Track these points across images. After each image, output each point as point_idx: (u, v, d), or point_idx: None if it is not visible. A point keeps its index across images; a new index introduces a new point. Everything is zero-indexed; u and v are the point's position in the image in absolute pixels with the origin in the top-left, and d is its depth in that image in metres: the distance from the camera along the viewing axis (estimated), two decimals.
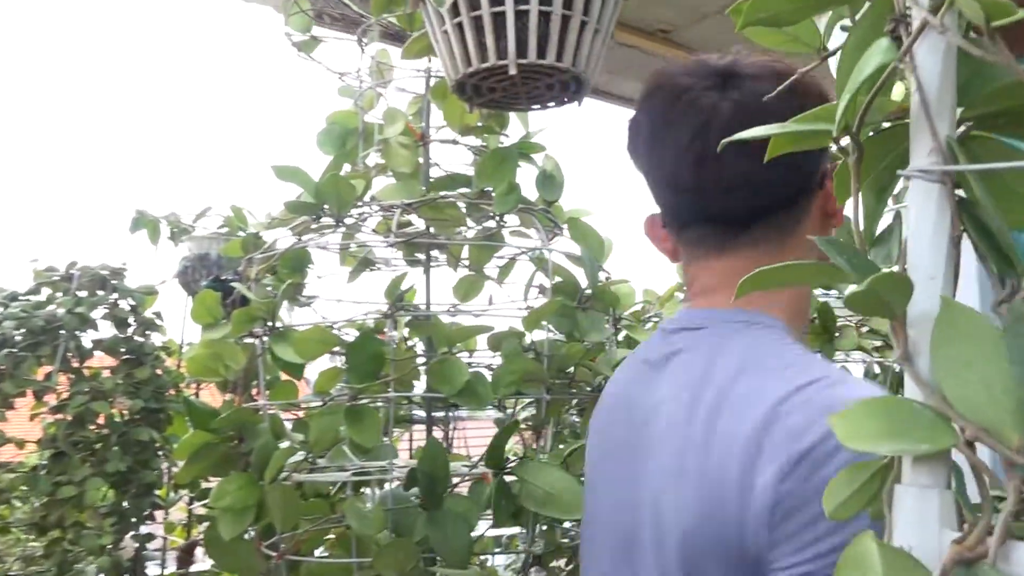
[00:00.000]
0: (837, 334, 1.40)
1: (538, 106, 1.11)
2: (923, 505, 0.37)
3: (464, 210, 1.17)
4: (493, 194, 1.18)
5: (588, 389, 1.15)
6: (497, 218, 1.26)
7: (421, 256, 1.44)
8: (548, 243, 1.12)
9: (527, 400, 1.13)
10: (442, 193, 1.14)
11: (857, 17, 0.49)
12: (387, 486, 1.10)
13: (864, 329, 1.44)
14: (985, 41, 0.36)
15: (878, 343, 1.45)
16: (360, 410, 1.00)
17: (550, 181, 1.23)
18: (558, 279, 1.17)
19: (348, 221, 1.12)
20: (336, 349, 1.09)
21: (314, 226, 1.17)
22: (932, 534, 0.37)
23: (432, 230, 1.20)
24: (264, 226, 1.26)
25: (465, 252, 1.33)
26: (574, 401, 1.19)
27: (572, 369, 1.12)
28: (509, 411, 1.31)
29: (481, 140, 1.32)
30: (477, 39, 0.88)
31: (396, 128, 1.19)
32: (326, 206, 1.10)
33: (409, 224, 1.33)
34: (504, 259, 1.34)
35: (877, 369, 1.51)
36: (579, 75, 0.94)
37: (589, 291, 1.15)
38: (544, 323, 1.09)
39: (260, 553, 1.10)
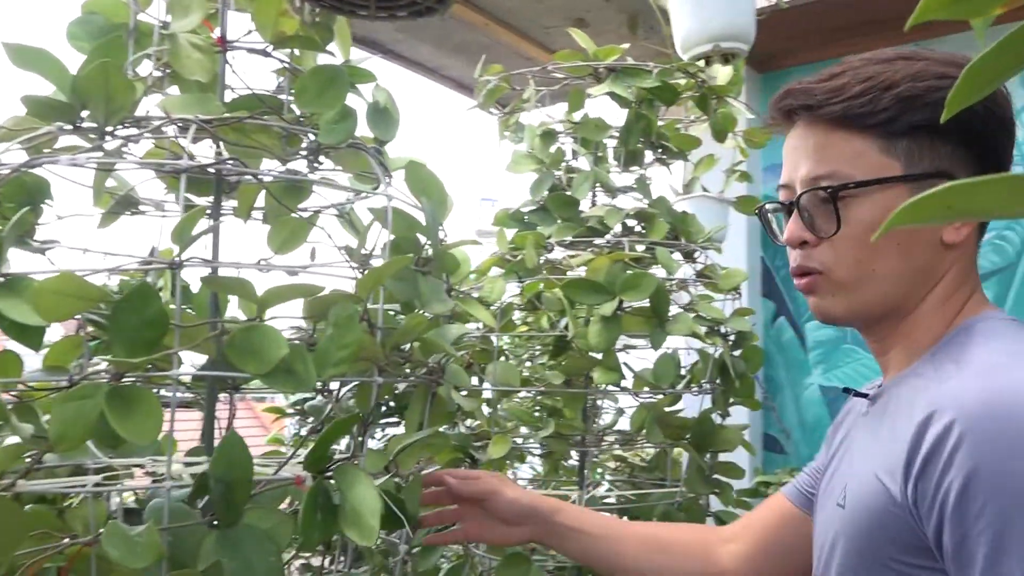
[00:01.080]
0: (670, 320, 1.32)
1: (385, 15, 0.89)
2: None
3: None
4: (315, 124, 0.94)
5: (423, 371, 0.95)
6: (312, 156, 1.01)
7: (201, 200, 1.15)
8: (388, 187, 0.90)
9: (351, 383, 0.91)
10: (254, 113, 0.88)
11: None
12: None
13: (692, 316, 1.37)
14: None
15: (703, 329, 1.39)
16: (130, 392, 0.72)
17: (383, 116, 1.01)
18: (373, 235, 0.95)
19: (119, 134, 0.81)
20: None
21: (65, 143, 0.86)
22: None
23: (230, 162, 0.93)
24: None
25: (260, 200, 1.06)
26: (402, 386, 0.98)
27: (408, 346, 0.91)
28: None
29: (291, 57, 1.06)
30: None
31: (188, 22, 0.90)
32: (86, 111, 0.80)
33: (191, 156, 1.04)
34: (310, 211, 1.09)
35: (692, 356, 1.46)
36: None
37: (429, 252, 0.95)
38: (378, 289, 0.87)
39: None
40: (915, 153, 0.81)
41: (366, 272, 0.83)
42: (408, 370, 0.93)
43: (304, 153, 1.00)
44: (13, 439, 0.76)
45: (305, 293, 0.80)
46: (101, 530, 0.77)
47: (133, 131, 0.83)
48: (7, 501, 0.74)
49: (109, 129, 0.80)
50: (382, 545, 1.00)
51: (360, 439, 0.84)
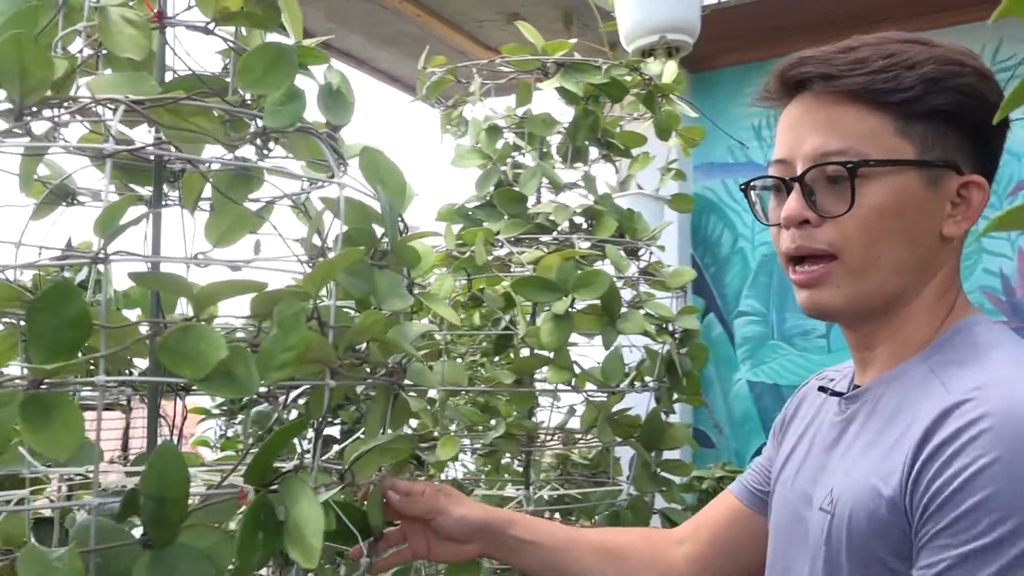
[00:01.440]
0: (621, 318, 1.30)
1: None
2: None
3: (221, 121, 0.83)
4: (262, 106, 0.87)
5: (381, 372, 0.88)
6: (260, 141, 0.94)
7: (143, 191, 1.07)
8: (341, 175, 0.83)
9: (300, 387, 0.84)
10: (190, 94, 0.80)
11: None
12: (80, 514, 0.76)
13: (643, 312, 1.34)
14: None
15: (652, 327, 1.37)
16: (48, 400, 0.65)
17: (337, 99, 0.94)
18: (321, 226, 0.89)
19: (43, 116, 0.74)
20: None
21: None
22: None
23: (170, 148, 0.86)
24: None
25: (207, 190, 0.98)
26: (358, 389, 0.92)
27: (364, 345, 0.85)
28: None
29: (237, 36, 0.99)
30: None
31: None
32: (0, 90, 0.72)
33: (130, 141, 0.97)
34: (261, 202, 1.02)
35: (639, 354, 1.45)
36: None
37: (386, 245, 0.88)
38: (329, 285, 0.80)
39: None
40: (929, 139, 0.78)
41: (315, 266, 0.76)
42: (368, 371, 0.86)
43: (251, 139, 0.93)
44: None
45: (247, 290, 0.73)
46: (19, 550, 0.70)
47: (55, 112, 0.75)
48: None
49: (27, 110, 0.73)
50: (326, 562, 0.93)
51: (312, 447, 0.77)
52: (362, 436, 0.94)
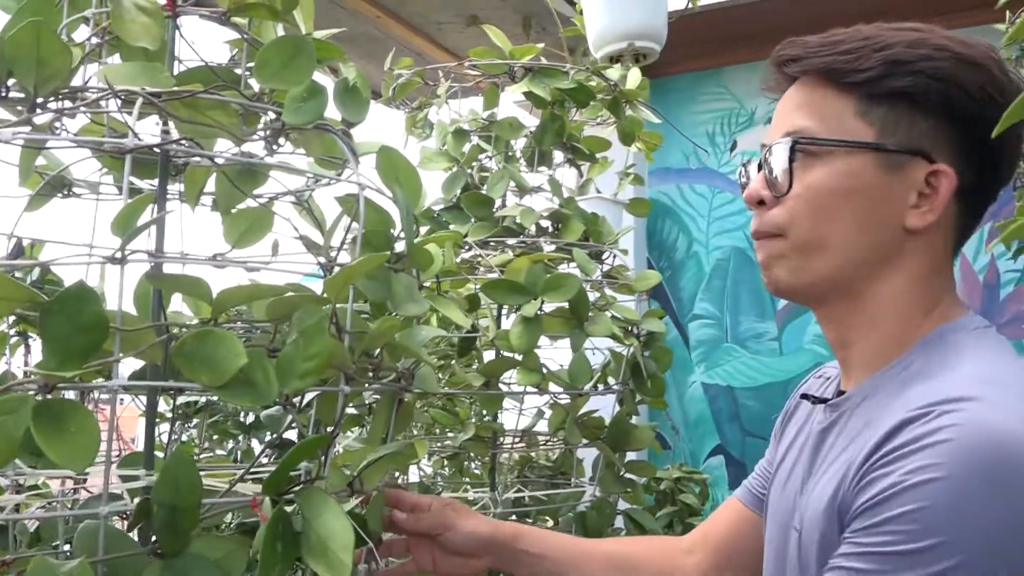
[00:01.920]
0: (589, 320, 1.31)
1: None
2: None
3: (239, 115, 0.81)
4: (278, 100, 0.85)
5: (392, 377, 0.86)
6: (272, 137, 0.91)
7: (142, 183, 1.04)
8: (362, 176, 0.81)
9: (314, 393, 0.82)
10: (210, 87, 0.78)
11: None
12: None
13: (610, 315, 1.35)
14: None
15: (617, 329, 1.38)
16: (61, 407, 0.63)
17: (354, 95, 0.91)
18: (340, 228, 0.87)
19: (52, 107, 0.71)
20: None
21: None
22: None
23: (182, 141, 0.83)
24: None
25: (210, 185, 0.96)
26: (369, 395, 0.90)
27: (378, 351, 0.83)
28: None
29: (248, 26, 0.96)
30: None
31: None
32: (13, 79, 0.69)
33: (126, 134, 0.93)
34: (265, 198, 1.00)
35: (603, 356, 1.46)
36: None
37: (402, 248, 0.86)
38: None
39: None
40: (891, 123, 0.76)
41: (336, 271, 0.74)
42: (372, 376, 0.84)
43: (263, 134, 0.91)
44: None
45: (267, 293, 0.71)
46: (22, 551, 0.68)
47: (68, 104, 0.72)
48: None
49: (40, 100, 0.70)
50: None
51: (324, 456, 0.75)
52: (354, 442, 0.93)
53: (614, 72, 1.56)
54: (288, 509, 0.71)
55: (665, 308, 3.22)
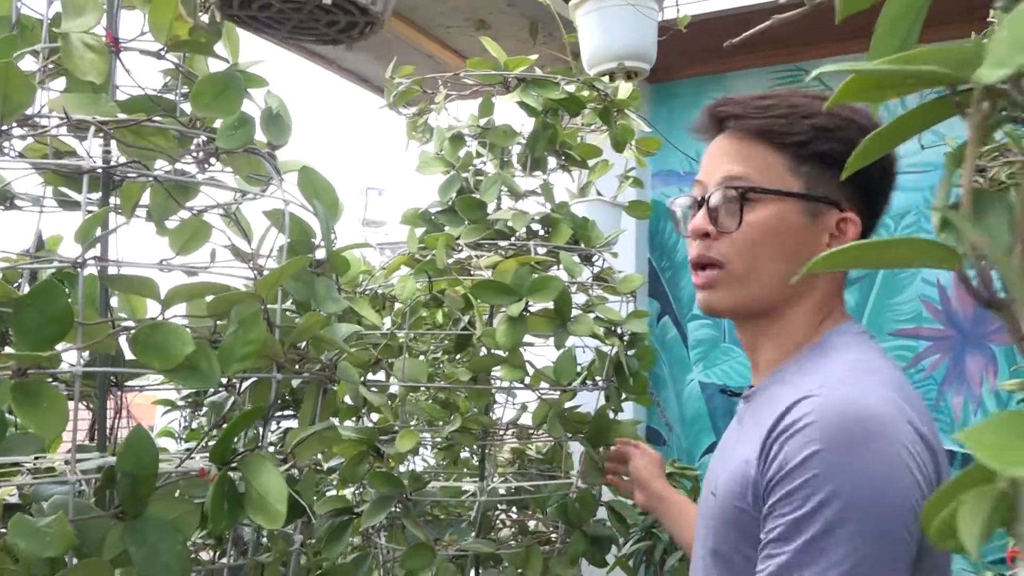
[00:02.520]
0: (572, 320, 1.39)
1: (294, 38, 0.93)
2: None
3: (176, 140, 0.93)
4: (209, 126, 0.97)
5: (317, 367, 0.99)
6: (204, 157, 1.03)
7: (80, 197, 1.14)
8: (286, 192, 0.94)
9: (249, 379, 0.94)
10: (154, 116, 0.89)
11: None
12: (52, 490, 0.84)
13: (593, 316, 1.46)
14: None
15: (601, 329, 1.49)
16: (34, 388, 0.74)
17: (277, 121, 1.04)
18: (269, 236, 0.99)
19: (14, 133, 0.82)
20: None
21: None
22: None
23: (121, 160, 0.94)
24: None
25: (144, 198, 1.07)
26: (296, 381, 1.02)
27: (305, 343, 0.96)
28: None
29: (182, 61, 1.08)
30: None
31: (83, 22, 0.91)
32: None
33: (73, 153, 1.04)
34: (195, 210, 1.11)
35: (589, 354, 1.55)
36: (376, 20, 0.79)
37: (322, 254, 1.00)
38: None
39: None
40: (814, 178, 0.93)
41: (266, 273, 0.87)
42: (299, 367, 0.97)
43: (196, 154, 1.03)
44: None
45: (209, 292, 0.84)
46: None
47: (27, 130, 0.83)
48: None
49: (4, 128, 0.80)
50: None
51: (261, 431, 0.88)
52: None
53: (606, 84, 1.65)
54: (232, 476, 0.83)
55: (665, 308, 3.24)
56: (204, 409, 1.35)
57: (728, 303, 0.96)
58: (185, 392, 1.40)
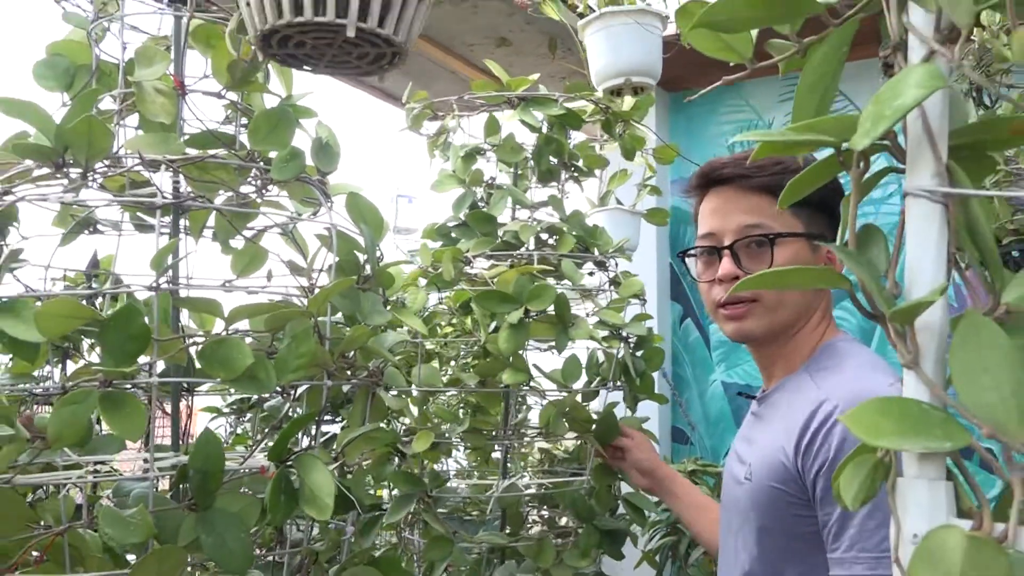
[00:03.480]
0: (572, 324, 1.48)
1: (330, 71, 1.03)
2: (934, 496, 0.40)
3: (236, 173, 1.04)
4: (265, 157, 1.08)
5: (364, 374, 1.09)
6: (259, 185, 1.14)
7: (152, 220, 1.27)
8: (335, 215, 1.04)
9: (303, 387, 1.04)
10: (213, 152, 1.01)
11: (814, 38, 0.51)
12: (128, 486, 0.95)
13: (593, 320, 1.54)
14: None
15: (605, 333, 1.57)
16: (118, 397, 0.85)
17: (326, 150, 1.14)
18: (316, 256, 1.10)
19: (98, 172, 0.93)
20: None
21: (37, 174, 0.97)
22: (941, 522, 0.40)
23: (188, 191, 1.06)
24: None
25: (210, 220, 1.19)
26: (345, 387, 1.12)
27: (352, 353, 1.06)
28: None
29: (240, 98, 1.19)
30: None
31: (155, 71, 1.02)
32: (68, 155, 0.92)
33: (148, 183, 1.16)
34: (255, 231, 1.22)
35: (602, 357, 1.62)
36: (401, 51, 0.89)
37: (368, 271, 1.10)
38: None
39: None
40: (810, 219, 1.13)
41: (317, 292, 0.97)
42: (350, 374, 1.07)
43: (255, 182, 1.14)
44: None
45: (266, 311, 0.94)
46: (71, 522, 0.90)
47: (110, 170, 0.95)
48: (10, 492, 0.86)
49: (90, 169, 0.92)
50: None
51: (314, 433, 0.98)
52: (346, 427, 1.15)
53: (608, 99, 1.73)
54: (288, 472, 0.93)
55: (687, 311, 3.34)
56: (248, 415, 1.47)
57: (763, 328, 1.14)
58: (231, 399, 1.52)
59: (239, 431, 1.65)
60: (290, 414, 1.11)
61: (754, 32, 0.57)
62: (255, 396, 1.65)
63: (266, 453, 0.94)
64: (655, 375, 1.67)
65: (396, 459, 1.40)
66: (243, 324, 1.03)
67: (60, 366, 1.35)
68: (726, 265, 1.14)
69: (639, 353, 1.65)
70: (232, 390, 1.43)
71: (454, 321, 1.63)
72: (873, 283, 0.39)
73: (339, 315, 1.08)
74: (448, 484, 1.57)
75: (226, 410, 1.59)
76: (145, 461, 0.92)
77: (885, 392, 0.89)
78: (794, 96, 0.49)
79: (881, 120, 0.37)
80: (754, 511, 1.07)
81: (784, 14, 0.51)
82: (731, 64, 0.59)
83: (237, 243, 1.23)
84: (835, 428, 0.97)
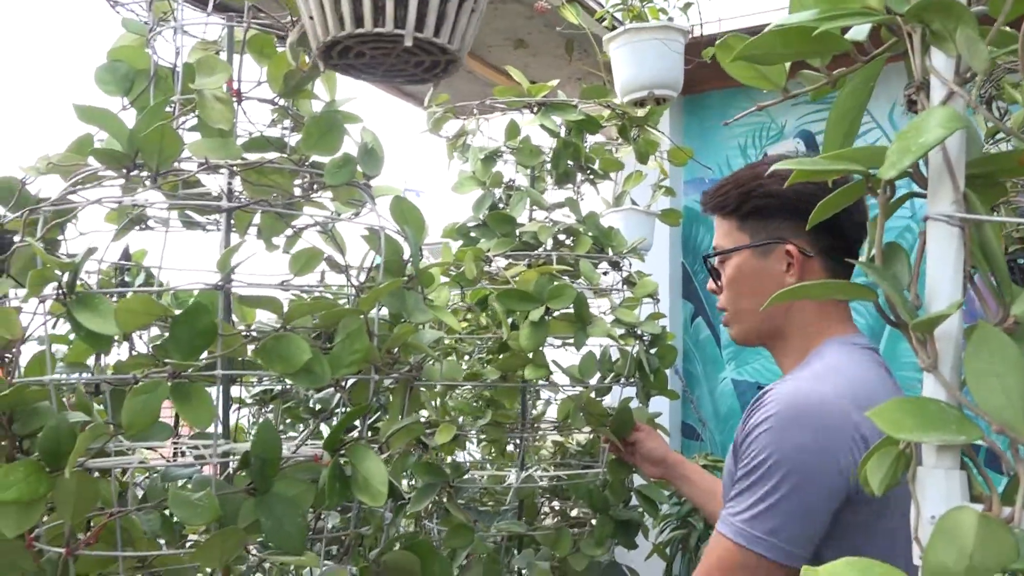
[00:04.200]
0: (590, 323, 1.54)
1: (387, 79, 1.10)
2: (949, 484, 0.46)
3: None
4: (315, 161, 1.14)
5: (406, 368, 1.15)
6: (306, 188, 1.21)
7: (200, 218, 1.33)
8: (381, 218, 1.10)
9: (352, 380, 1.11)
10: (271, 156, 1.07)
11: (845, 72, 0.57)
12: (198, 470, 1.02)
13: (609, 319, 1.60)
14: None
15: (622, 331, 1.63)
16: (188, 388, 0.92)
17: (371, 155, 1.20)
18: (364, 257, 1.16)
19: (167, 178, 1.00)
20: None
21: (108, 177, 1.04)
22: (956, 505, 0.46)
23: (244, 194, 1.12)
24: (37, 171, 1.07)
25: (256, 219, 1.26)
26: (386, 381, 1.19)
27: (397, 349, 1.12)
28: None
29: (291, 104, 1.26)
30: (374, 2, 0.85)
31: (216, 80, 1.09)
32: (140, 159, 0.98)
33: (198, 183, 1.23)
34: (297, 228, 1.29)
35: (615, 354, 1.69)
36: (456, 59, 0.94)
37: (411, 271, 1.16)
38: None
39: (30, 549, 0.96)
40: (756, 229, 1.21)
41: (368, 291, 1.03)
42: (393, 367, 1.13)
43: (303, 184, 1.20)
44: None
45: (322, 308, 1.00)
46: (123, 507, 0.97)
47: (177, 174, 1.01)
48: (85, 474, 0.93)
49: (160, 173, 0.99)
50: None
51: (363, 424, 1.04)
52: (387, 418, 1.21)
53: (623, 105, 1.80)
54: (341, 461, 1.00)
55: (699, 310, 3.41)
56: (270, 406, 1.54)
57: (738, 336, 1.27)
58: (255, 391, 1.59)
59: (260, 421, 1.71)
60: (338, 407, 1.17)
61: (787, 64, 0.63)
62: (277, 388, 1.72)
63: (311, 443, 1.00)
64: (668, 372, 1.74)
65: (417, 451, 1.46)
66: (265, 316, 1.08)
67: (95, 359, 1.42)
68: (709, 282, 1.31)
69: (653, 351, 1.71)
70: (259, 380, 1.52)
71: (468, 317, 1.70)
72: (897, 295, 0.44)
73: (383, 312, 1.14)
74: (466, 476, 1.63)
75: (249, 400, 1.66)
76: (196, 448, 0.98)
77: (822, 394, 1.03)
78: (825, 125, 0.55)
79: (907, 154, 0.43)
80: (725, 475, 1.19)
81: (816, 50, 0.57)
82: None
83: (279, 241, 1.30)
84: (757, 413, 1.07)
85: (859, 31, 0.56)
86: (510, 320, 1.57)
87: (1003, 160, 0.49)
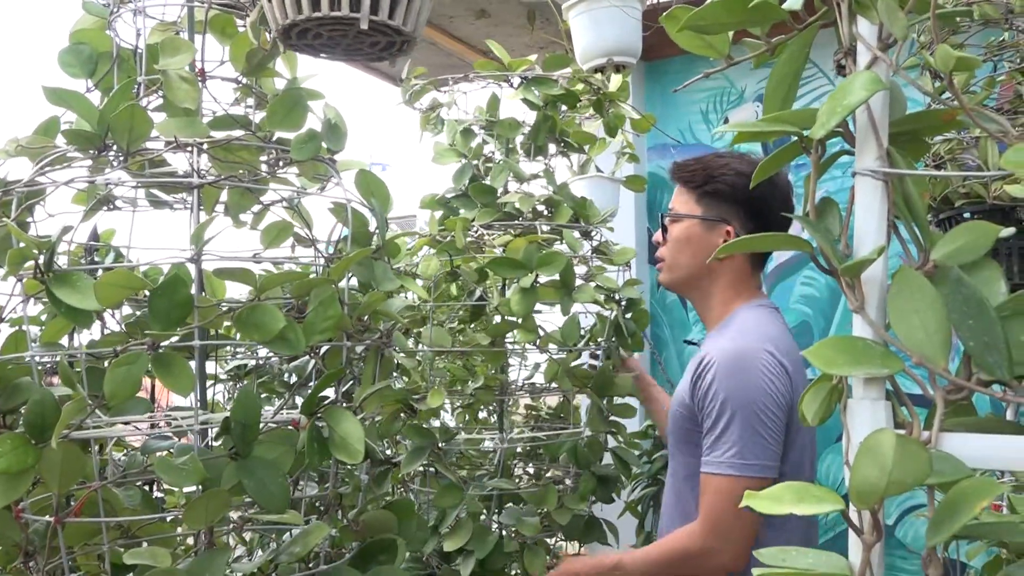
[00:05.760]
0: (576, 289, 1.60)
1: (345, 58, 1.12)
2: (875, 412, 0.51)
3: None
4: (280, 138, 1.16)
5: (377, 336, 1.19)
6: (271, 163, 1.23)
7: (167, 197, 1.35)
8: (347, 192, 1.13)
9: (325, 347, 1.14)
10: (237, 134, 1.09)
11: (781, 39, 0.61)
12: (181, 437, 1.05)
13: (594, 285, 1.66)
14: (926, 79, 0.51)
15: (602, 296, 1.69)
16: (168, 358, 0.95)
17: (335, 130, 1.23)
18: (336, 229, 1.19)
19: (136, 157, 1.02)
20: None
21: (76, 159, 1.05)
22: (879, 428, 0.51)
23: (212, 171, 1.14)
24: (6, 154, 1.08)
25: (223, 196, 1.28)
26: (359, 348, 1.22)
27: (367, 316, 1.16)
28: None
29: (254, 82, 1.28)
30: None
31: (181, 60, 1.10)
32: (110, 140, 1.00)
33: (164, 163, 1.24)
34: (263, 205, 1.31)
35: (591, 319, 1.74)
36: (411, 38, 0.98)
37: (378, 242, 1.19)
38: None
39: (18, 520, 0.99)
40: (708, 205, 1.56)
41: (338, 260, 1.07)
42: (363, 334, 1.17)
43: (269, 160, 1.23)
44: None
45: (293, 278, 1.04)
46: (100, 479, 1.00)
47: (145, 153, 1.03)
48: (71, 446, 0.95)
49: (130, 153, 1.01)
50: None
51: (335, 392, 1.08)
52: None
53: (610, 79, 1.84)
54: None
55: None
56: (244, 382, 1.58)
57: (666, 281, 1.63)
58: (229, 366, 1.62)
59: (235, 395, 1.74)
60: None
61: (730, 32, 0.67)
62: (251, 363, 1.76)
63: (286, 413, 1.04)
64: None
65: (404, 415, 1.51)
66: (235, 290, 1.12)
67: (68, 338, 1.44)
68: (656, 234, 1.63)
69: (628, 315, 1.78)
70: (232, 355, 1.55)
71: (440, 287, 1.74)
72: (828, 245, 0.49)
73: (353, 282, 1.18)
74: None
75: (224, 376, 1.68)
76: (174, 421, 1.01)
77: (744, 346, 1.39)
78: (765, 90, 0.59)
79: (833, 115, 0.48)
80: (672, 425, 1.54)
81: (755, 19, 0.61)
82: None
83: (246, 217, 1.33)
84: (707, 374, 1.41)
85: (794, 1, 0.61)
86: (478, 290, 1.62)
87: (927, 118, 0.54)
